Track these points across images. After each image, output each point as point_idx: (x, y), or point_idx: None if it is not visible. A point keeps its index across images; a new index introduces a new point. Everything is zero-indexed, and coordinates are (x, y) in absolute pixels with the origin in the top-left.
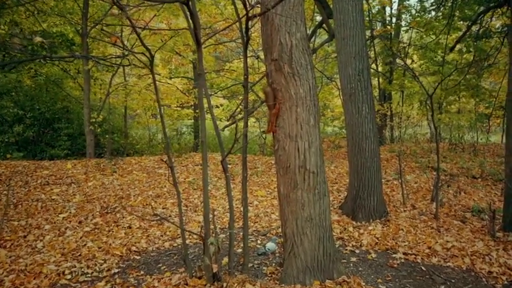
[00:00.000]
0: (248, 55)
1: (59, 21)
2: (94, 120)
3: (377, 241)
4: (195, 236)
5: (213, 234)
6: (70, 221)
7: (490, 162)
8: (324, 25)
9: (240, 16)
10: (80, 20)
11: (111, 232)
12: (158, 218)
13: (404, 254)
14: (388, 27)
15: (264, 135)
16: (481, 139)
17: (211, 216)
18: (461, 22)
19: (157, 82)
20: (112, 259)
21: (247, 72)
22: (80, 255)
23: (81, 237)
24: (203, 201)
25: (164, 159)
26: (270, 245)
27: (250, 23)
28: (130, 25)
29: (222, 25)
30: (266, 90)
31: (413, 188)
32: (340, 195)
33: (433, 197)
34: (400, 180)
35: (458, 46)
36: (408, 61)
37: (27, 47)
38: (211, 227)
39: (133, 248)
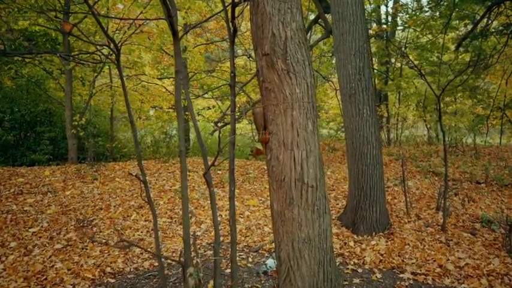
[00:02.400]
0: (240, 54)
1: (42, 20)
2: (76, 123)
3: (381, 258)
4: (179, 249)
5: (195, 258)
6: (40, 237)
7: (493, 166)
8: (320, 20)
9: (226, 4)
10: (60, 16)
11: (84, 250)
12: (128, 244)
13: (412, 273)
14: (384, 26)
15: (256, 138)
16: (481, 141)
17: (198, 229)
18: (457, 21)
19: (145, 83)
20: (82, 283)
21: (234, 68)
22: (45, 279)
23: (49, 257)
24: (183, 223)
25: (134, 174)
26: (271, 262)
27: (238, 10)
28: (91, 12)
29: (213, 24)
30: (255, 111)
31: (416, 194)
32: (338, 204)
33: (438, 206)
34: (403, 188)
35: (453, 46)
36: (404, 61)
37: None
38: (194, 248)
39: (108, 269)
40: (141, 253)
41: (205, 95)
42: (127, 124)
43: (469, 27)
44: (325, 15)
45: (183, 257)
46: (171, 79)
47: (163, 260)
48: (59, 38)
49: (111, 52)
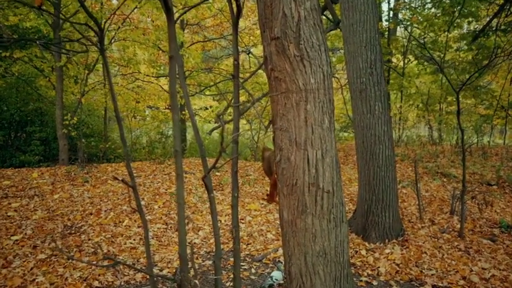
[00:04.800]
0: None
1: (33, 15)
2: (68, 122)
3: (397, 269)
4: (175, 259)
5: (192, 278)
6: (22, 246)
7: (503, 167)
8: (327, 11)
9: None
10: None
11: (70, 261)
12: (114, 262)
13: (434, 286)
14: (386, 22)
15: (256, 138)
16: (487, 141)
17: (195, 237)
18: (459, 20)
19: (141, 82)
20: None
21: (237, 56)
22: None
23: (31, 269)
24: (178, 236)
25: (121, 179)
26: (277, 275)
27: None
28: None
29: (211, 21)
30: (264, 155)
31: (426, 197)
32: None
33: (452, 210)
34: (412, 190)
35: (455, 45)
36: (404, 61)
37: None
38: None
39: (96, 283)
40: (133, 263)
41: (202, 94)
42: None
43: (472, 25)
44: (333, 5)
45: (179, 276)
46: (168, 79)
47: (157, 272)
48: (51, 34)
49: (97, 42)
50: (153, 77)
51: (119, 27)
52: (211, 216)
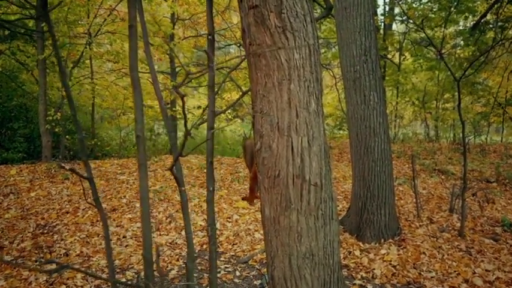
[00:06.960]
0: (229, 43)
1: (17, 8)
2: (51, 117)
3: (394, 271)
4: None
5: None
6: None
7: (502, 164)
8: None
9: None
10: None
11: (38, 263)
12: (59, 267)
13: None
14: (382, 17)
15: (248, 135)
16: (485, 139)
17: (178, 237)
18: (455, 16)
19: (128, 78)
20: None
21: (212, 30)
22: None
23: None
24: (142, 235)
25: (69, 168)
26: None
27: None
28: None
29: (203, 17)
30: (246, 144)
31: (423, 195)
32: (338, 205)
33: (451, 208)
34: (409, 187)
35: (452, 41)
36: (400, 58)
37: None
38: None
39: None
40: (107, 266)
41: (187, 86)
42: (110, 121)
43: (469, 21)
44: None
45: (142, 282)
46: (163, 75)
47: (132, 275)
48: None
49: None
50: (142, 72)
51: (105, 19)
52: (182, 212)
